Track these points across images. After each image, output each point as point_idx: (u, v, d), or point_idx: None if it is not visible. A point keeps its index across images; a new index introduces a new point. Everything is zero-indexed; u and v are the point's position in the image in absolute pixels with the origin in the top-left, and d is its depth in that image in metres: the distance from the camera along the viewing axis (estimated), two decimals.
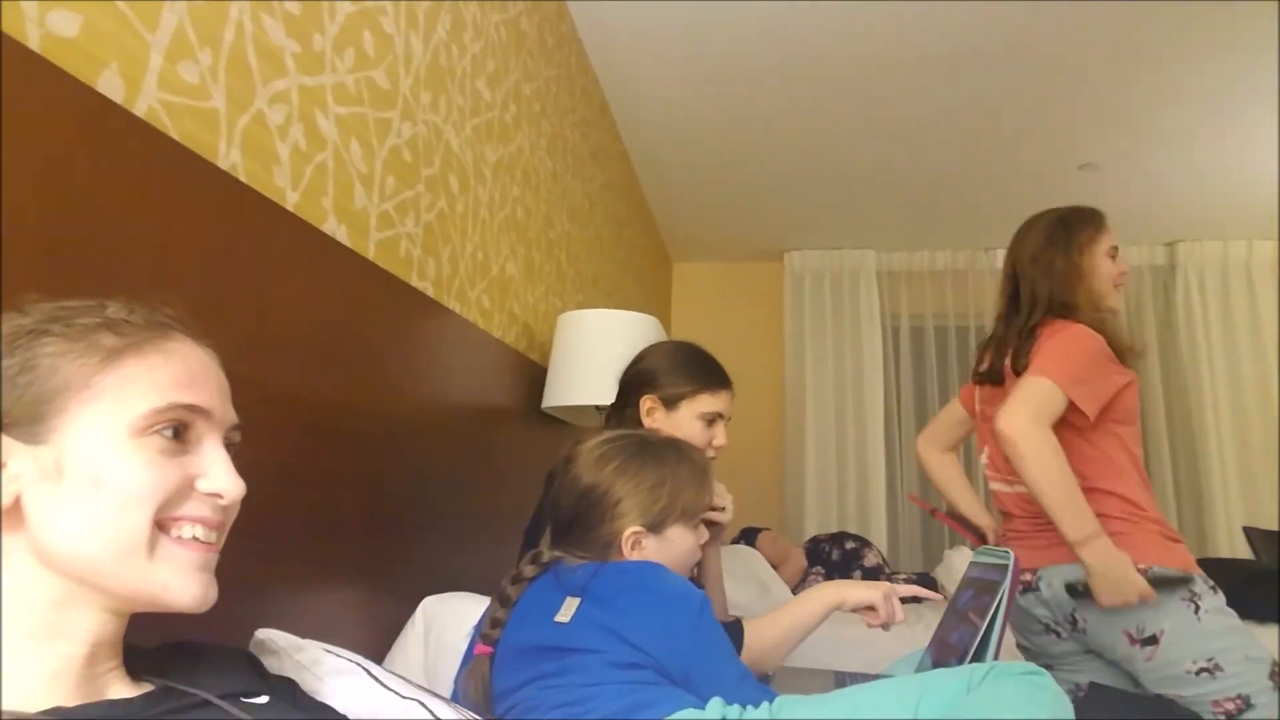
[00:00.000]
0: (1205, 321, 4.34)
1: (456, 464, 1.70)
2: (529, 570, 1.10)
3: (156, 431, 0.57)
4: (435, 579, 1.52)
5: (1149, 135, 3.30)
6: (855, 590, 1.29)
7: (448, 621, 1.31)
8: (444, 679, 1.22)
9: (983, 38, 2.64)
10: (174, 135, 0.91)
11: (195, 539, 0.59)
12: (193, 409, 0.59)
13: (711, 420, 1.49)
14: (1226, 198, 3.83)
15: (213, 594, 0.60)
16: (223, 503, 0.60)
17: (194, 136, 0.95)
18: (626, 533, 1.12)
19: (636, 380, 1.54)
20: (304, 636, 0.92)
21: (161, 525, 0.57)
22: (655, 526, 1.14)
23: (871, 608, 1.27)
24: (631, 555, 1.12)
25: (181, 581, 0.57)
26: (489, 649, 1.05)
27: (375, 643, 1.33)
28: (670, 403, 1.49)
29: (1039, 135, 3.33)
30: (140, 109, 0.87)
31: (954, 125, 3.25)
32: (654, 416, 1.50)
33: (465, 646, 1.17)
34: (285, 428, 1.10)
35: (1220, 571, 3.02)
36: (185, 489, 0.58)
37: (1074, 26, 2.56)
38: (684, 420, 1.48)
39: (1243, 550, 3.76)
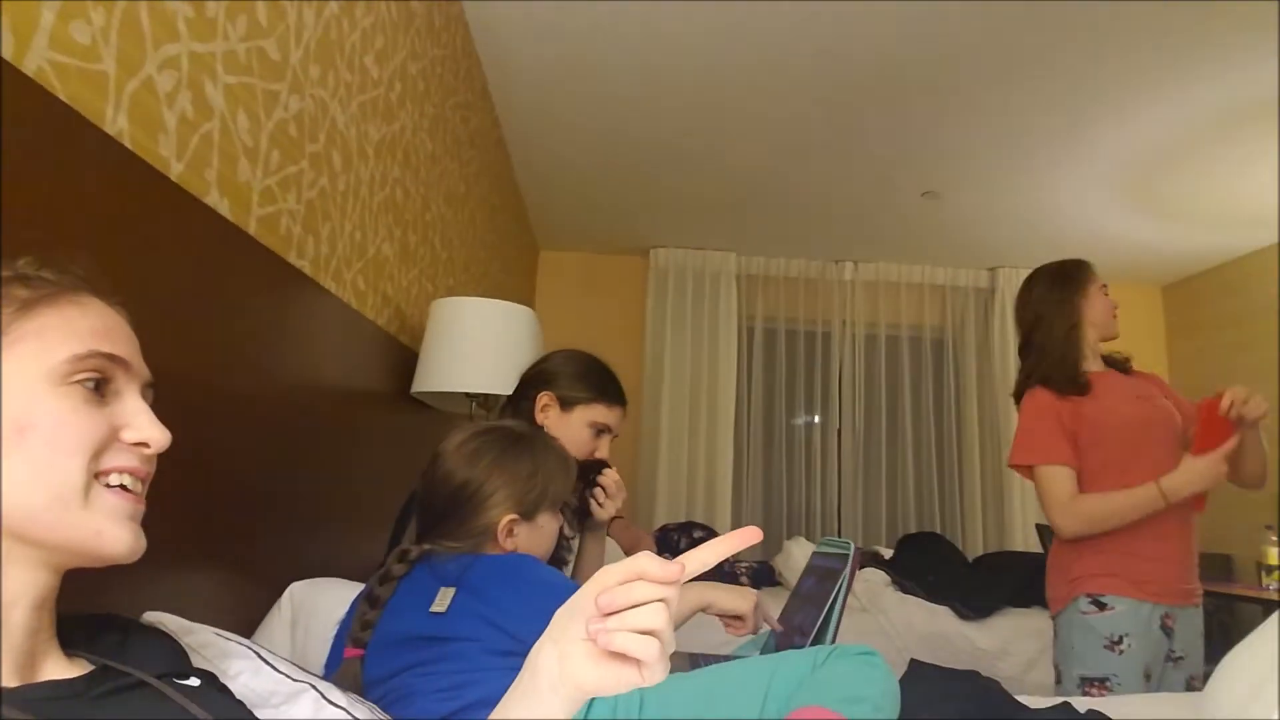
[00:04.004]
0: (1016, 340, 4.86)
1: (325, 446, 1.67)
2: (397, 569, 1.11)
3: (78, 381, 0.57)
4: (301, 563, 1.50)
5: (985, 171, 3.66)
6: (725, 597, 1.28)
7: (316, 607, 1.30)
8: (313, 665, 1.22)
9: (849, 59, 2.84)
10: (62, 97, 0.87)
11: (124, 487, 0.58)
12: (113, 359, 0.59)
13: (599, 431, 1.53)
14: (1039, 229, 4.29)
15: (142, 544, 0.60)
16: (149, 451, 0.60)
17: (82, 99, 0.90)
18: (503, 521, 1.15)
19: (539, 376, 1.57)
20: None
21: (93, 475, 0.57)
22: (528, 514, 1.18)
23: (738, 616, 1.29)
24: (506, 543, 1.16)
25: (115, 529, 0.57)
26: (360, 651, 1.05)
27: (240, 627, 1.30)
28: (566, 404, 1.52)
29: (891, 162, 3.61)
30: (29, 68, 0.82)
31: (817, 140, 3.46)
32: (548, 414, 1.53)
33: (333, 635, 1.17)
34: (156, 404, 1.06)
35: (1016, 564, 3.41)
36: (110, 439, 0.58)
37: (939, 53, 2.81)
38: (575, 424, 1.51)
39: (1034, 545, 4.27)
